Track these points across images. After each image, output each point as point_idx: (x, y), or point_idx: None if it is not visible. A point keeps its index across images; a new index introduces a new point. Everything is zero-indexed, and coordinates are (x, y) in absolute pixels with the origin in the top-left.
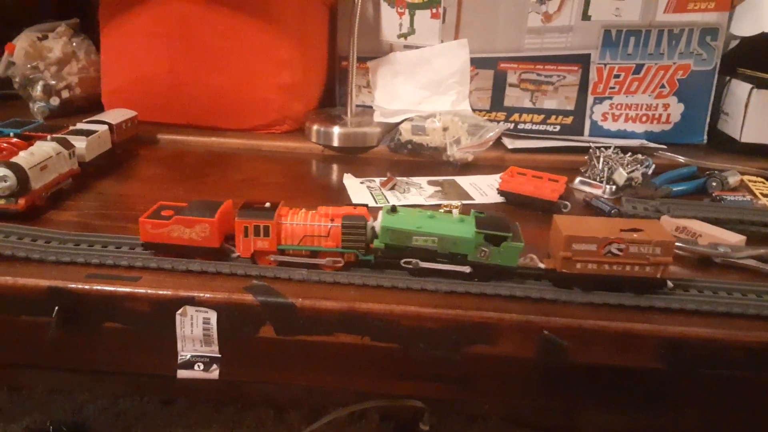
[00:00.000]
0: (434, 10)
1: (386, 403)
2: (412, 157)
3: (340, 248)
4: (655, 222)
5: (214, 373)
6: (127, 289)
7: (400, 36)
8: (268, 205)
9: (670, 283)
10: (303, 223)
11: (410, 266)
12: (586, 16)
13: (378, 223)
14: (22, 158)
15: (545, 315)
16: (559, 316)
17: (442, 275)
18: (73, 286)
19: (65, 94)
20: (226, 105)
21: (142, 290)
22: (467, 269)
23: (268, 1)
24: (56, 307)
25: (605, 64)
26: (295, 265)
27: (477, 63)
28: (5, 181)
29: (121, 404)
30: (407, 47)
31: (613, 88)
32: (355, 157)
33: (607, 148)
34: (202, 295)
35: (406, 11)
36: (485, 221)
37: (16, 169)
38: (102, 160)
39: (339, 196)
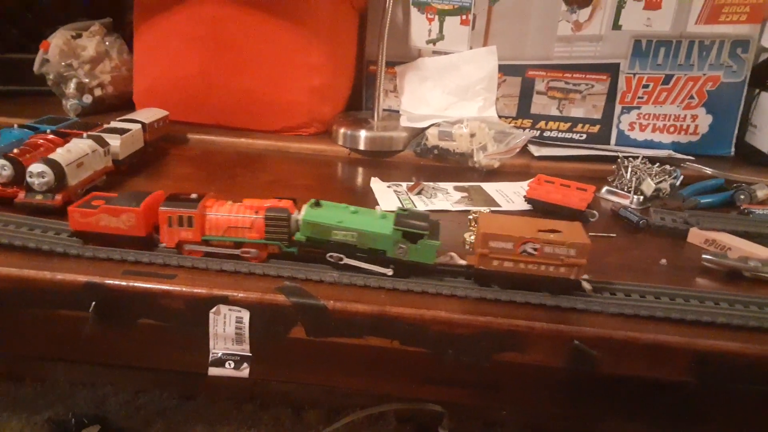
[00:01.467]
0: (464, 17)
1: (406, 406)
2: (437, 163)
3: (264, 240)
4: (575, 225)
5: (245, 371)
6: (164, 287)
7: (428, 42)
8: (194, 196)
9: (587, 285)
10: (227, 215)
11: (333, 260)
12: (616, 26)
13: (301, 216)
14: (60, 155)
15: (575, 324)
16: (589, 326)
17: (365, 271)
18: (110, 282)
19: (98, 92)
20: (256, 106)
21: (177, 288)
22: (389, 272)
23: (300, 6)
24: (93, 303)
25: (634, 74)
26: (219, 256)
27: (505, 70)
28: (43, 177)
29: (141, 398)
30: (436, 53)
31: (642, 98)
32: (381, 160)
33: (635, 157)
34: (235, 294)
35: (436, 17)
36: (405, 219)
37: (54, 165)
38: (134, 158)
39: (366, 199)
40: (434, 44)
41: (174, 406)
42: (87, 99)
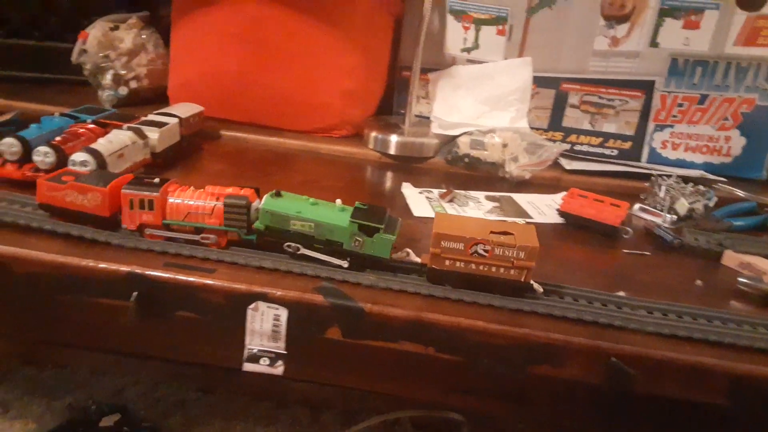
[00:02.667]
0: (500, 27)
1: (425, 413)
2: (467, 171)
3: (223, 227)
4: (528, 227)
5: (279, 369)
6: (205, 281)
7: (463, 50)
8: (157, 180)
9: (538, 287)
10: (188, 201)
11: (290, 250)
12: (654, 43)
13: (260, 205)
14: (102, 145)
15: (614, 341)
16: (627, 344)
17: (321, 262)
18: (151, 273)
19: (133, 84)
20: (289, 106)
21: (218, 282)
22: (345, 264)
23: (337, 10)
24: (135, 293)
25: (669, 92)
26: (179, 241)
27: (539, 82)
28: (85, 166)
29: (160, 390)
30: (470, 61)
31: (676, 116)
32: (410, 166)
33: (668, 176)
34: (274, 292)
35: (472, 26)
36: (362, 212)
37: (96, 155)
38: (170, 152)
39: (397, 203)
40: (469, 53)
41: (192, 399)
42: (122, 91)
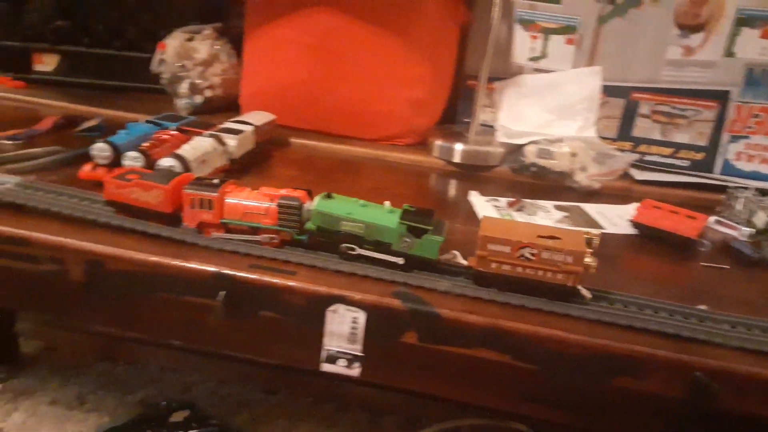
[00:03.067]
0: (570, 36)
1: (488, 422)
2: (534, 180)
3: (276, 226)
4: (576, 232)
5: (356, 370)
6: (288, 282)
7: (530, 59)
8: (216, 181)
9: (586, 293)
10: (245, 201)
11: (344, 250)
12: (729, 53)
13: (312, 206)
14: (186, 151)
15: (698, 355)
16: (712, 358)
17: (374, 262)
18: (237, 274)
19: (207, 93)
20: (356, 115)
21: (299, 284)
22: (401, 260)
23: (406, 20)
24: (223, 292)
25: (745, 103)
26: (235, 240)
27: (608, 91)
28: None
29: (225, 389)
30: (537, 70)
31: (751, 127)
32: (475, 174)
33: (745, 188)
34: (353, 295)
35: (540, 35)
36: (411, 214)
37: (182, 160)
38: (246, 159)
39: (465, 211)
40: (536, 62)
41: (257, 399)
42: (198, 99)
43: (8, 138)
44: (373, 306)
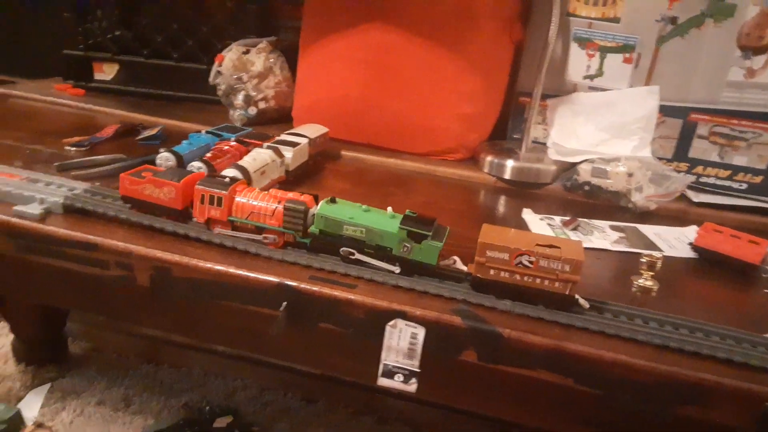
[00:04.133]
0: (627, 55)
1: None
2: (586, 199)
3: (281, 228)
4: (575, 242)
5: (413, 386)
6: (349, 296)
7: (586, 77)
8: (227, 179)
9: (584, 303)
10: (253, 201)
11: (344, 254)
12: None
13: (316, 210)
14: (248, 162)
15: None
16: None
17: (372, 267)
18: (299, 285)
19: (261, 105)
20: (407, 129)
21: (360, 298)
22: (397, 269)
23: (462, 37)
24: (285, 302)
25: None
26: (241, 238)
27: (665, 111)
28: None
29: (267, 396)
30: (591, 89)
31: None
32: (526, 191)
33: None
34: (414, 311)
35: (597, 54)
36: (411, 220)
37: (244, 171)
38: (300, 171)
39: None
40: (591, 80)
41: (297, 407)
42: (252, 111)
43: (73, 145)
44: (434, 322)
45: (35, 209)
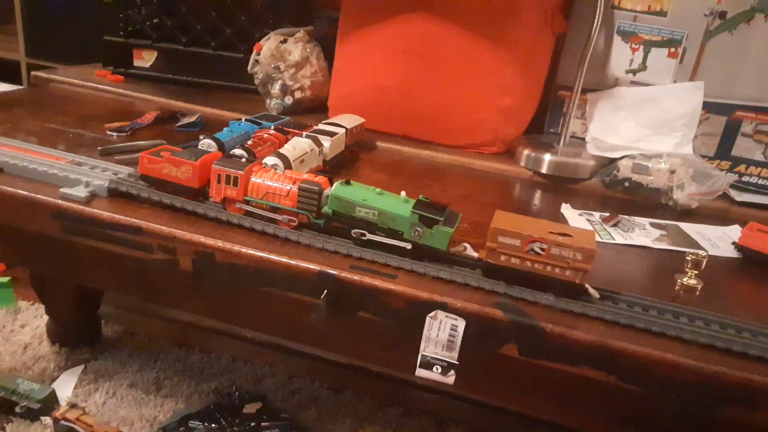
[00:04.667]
0: (673, 50)
1: None
2: (626, 195)
3: (295, 208)
4: (587, 231)
5: (451, 378)
6: (389, 286)
7: (628, 71)
8: (244, 159)
9: (594, 292)
10: (268, 182)
11: (356, 236)
12: None
13: (330, 191)
14: (288, 151)
15: None
16: None
17: (383, 248)
18: (339, 274)
19: (298, 94)
20: (445, 121)
21: (401, 288)
22: (408, 246)
23: (503, 28)
24: (325, 290)
25: None
26: (255, 216)
27: (709, 107)
28: (275, 169)
29: (295, 384)
30: (634, 83)
31: None
32: (564, 186)
33: None
34: (455, 302)
35: (641, 48)
36: (424, 205)
37: (285, 159)
38: (336, 160)
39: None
40: (634, 74)
41: (324, 396)
42: (288, 100)
43: (115, 130)
44: (474, 315)
45: (81, 192)
